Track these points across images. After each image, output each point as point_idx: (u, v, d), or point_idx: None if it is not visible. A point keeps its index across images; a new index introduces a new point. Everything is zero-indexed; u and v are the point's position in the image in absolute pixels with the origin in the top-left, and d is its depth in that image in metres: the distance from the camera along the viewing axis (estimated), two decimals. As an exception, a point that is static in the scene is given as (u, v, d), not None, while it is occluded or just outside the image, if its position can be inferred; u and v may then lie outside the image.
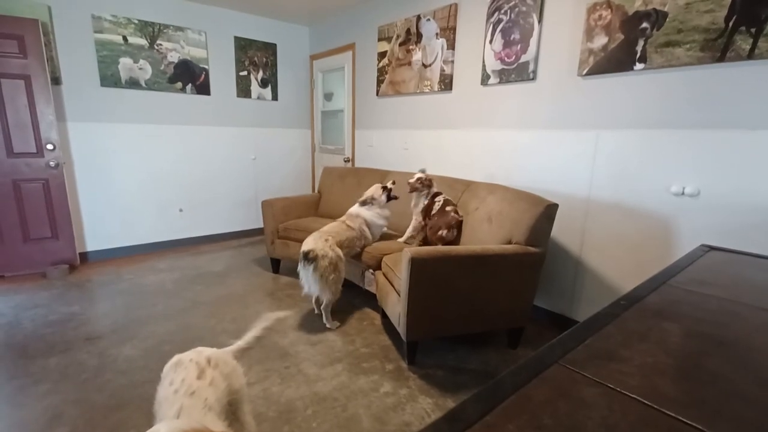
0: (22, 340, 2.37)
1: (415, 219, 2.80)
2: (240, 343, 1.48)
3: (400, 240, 2.93)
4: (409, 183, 2.73)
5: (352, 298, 3.05)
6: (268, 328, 1.56)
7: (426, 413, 1.81)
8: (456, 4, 3.02)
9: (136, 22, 3.68)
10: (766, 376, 0.64)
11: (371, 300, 2.89)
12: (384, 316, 2.68)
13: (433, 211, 2.65)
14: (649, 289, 0.99)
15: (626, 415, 0.53)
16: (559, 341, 0.72)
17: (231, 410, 1.25)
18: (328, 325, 2.55)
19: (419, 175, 2.73)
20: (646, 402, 0.55)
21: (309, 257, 2.41)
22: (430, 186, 2.73)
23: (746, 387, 0.60)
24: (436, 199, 2.68)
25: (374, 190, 2.94)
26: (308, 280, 2.45)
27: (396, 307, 2.15)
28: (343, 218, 2.84)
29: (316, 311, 2.71)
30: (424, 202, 2.73)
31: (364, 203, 2.89)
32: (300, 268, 2.47)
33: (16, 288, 3.13)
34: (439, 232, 2.56)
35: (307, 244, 2.48)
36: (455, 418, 0.52)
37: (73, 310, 2.76)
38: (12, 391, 1.92)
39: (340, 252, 2.53)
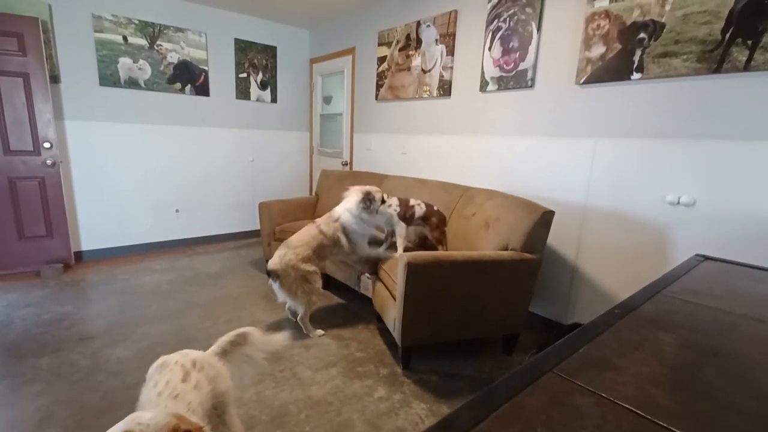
0: (13, 339, 2.35)
1: (401, 227, 2.57)
2: (214, 348, 1.44)
3: (398, 254, 2.49)
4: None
5: (348, 302, 3.04)
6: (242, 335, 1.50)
7: (420, 419, 1.80)
8: (456, 11, 3.04)
9: (137, 22, 3.69)
10: (761, 388, 0.64)
11: (367, 304, 2.88)
12: (380, 320, 2.67)
13: (418, 215, 2.57)
14: (644, 298, 0.99)
15: (620, 425, 0.53)
16: (554, 349, 0.72)
17: (216, 413, 1.24)
18: (310, 335, 2.49)
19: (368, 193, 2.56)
20: (640, 412, 0.55)
21: (272, 275, 2.40)
22: (372, 200, 2.54)
23: (741, 399, 0.60)
24: (412, 203, 2.57)
25: (370, 193, 2.52)
26: (279, 294, 2.45)
27: (392, 311, 2.14)
28: (320, 220, 2.59)
29: (291, 317, 2.66)
30: (394, 209, 2.55)
31: (363, 203, 2.49)
32: (270, 281, 2.46)
33: (9, 286, 3.11)
34: (445, 229, 2.64)
35: (272, 261, 2.44)
36: (449, 425, 0.51)
37: (66, 310, 2.73)
38: (2, 391, 1.89)
39: (305, 268, 2.42)
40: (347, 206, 2.55)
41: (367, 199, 2.48)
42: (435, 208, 2.66)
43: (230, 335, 1.47)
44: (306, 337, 2.47)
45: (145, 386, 1.16)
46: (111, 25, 3.56)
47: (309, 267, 2.45)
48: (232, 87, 4.37)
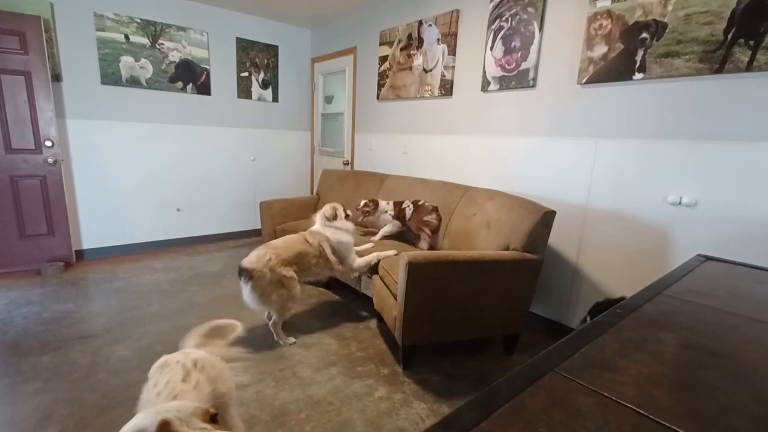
0: (14, 337, 2.35)
1: (391, 225, 3.02)
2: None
3: (375, 238, 3.02)
4: (358, 209, 3.03)
5: (348, 301, 3.04)
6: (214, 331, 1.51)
7: (420, 419, 1.80)
8: (458, 11, 3.04)
9: (139, 21, 3.69)
10: (761, 389, 0.64)
11: (368, 303, 2.88)
12: (380, 319, 2.67)
13: (408, 215, 2.93)
14: (646, 298, 0.99)
15: (621, 425, 0.53)
16: (555, 349, 0.72)
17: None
18: (281, 343, 2.37)
19: (363, 201, 3.04)
20: (641, 412, 0.55)
21: (245, 275, 2.24)
22: (377, 205, 3.01)
23: (741, 400, 0.60)
24: (404, 206, 2.95)
25: (333, 209, 2.71)
26: (247, 297, 2.27)
27: (392, 311, 2.14)
28: (305, 232, 2.60)
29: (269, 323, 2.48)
30: (389, 215, 2.99)
31: (328, 220, 2.64)
32: (241, 283, 2.30)
33: (10, 285, 3.11)
34: (425, 218, 2.83)
35: (248, 260, 2.30)
36: (450, 424, 0.51)
37: (67, 308, 2.74)
38: (2, 389, 1.90)
39: (283, 272, 2.31)
40: (321, 222, 2.66)
41: (331, 214, 2.65)
42: (420, 202, 2.91)
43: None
44: (307, 337, 2.47)
45: (146, 386, 1.16)
46: (113, 24, 3.57)
47: (287, 272, 2.33)
48: (233, 86, 4.38)
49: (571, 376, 0.63)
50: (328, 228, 2.60)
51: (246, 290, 2.26)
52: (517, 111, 2.72)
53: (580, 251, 2.44)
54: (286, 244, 2.45)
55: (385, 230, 3.04)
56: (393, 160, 3.85)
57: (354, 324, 2.67)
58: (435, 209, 2.85)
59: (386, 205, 3.03)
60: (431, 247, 2.84)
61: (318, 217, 2.67)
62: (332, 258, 2.52)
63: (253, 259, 2.31)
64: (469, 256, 2.02)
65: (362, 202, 3.03)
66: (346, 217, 2.73)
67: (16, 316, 2.61)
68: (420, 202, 2.92)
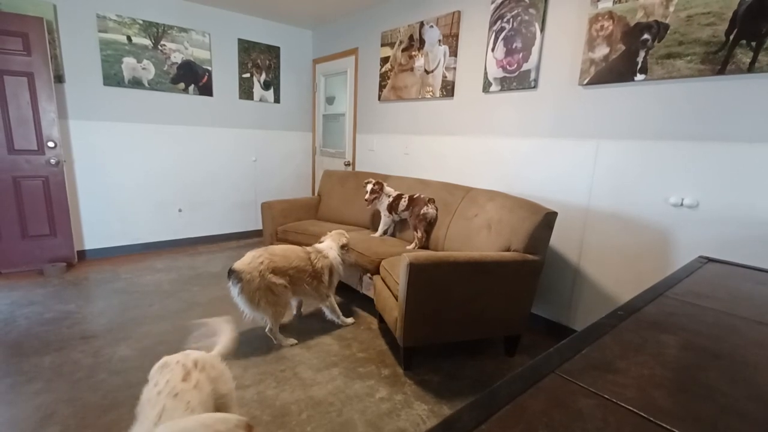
0: (16, 337, 2.36)
1: (384, 216, 3.14)
2: (219, 348, 1.47)
3: (375, 235, 3.15)
4: (366, 199, 3.11)
5: (349, 302, 3.04)
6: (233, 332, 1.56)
7: (421, 420, 1.79)
8: (459, 12, 3.04)
9: (141, 22, 3.70)
10: (762, 391, 0.64)
11: (369, 304, 2.88)
12: (381, 320, 2.67)
13: (401, 206, 3.00)
14: (647, 300, 0.99)
15: (622, 427, 0.53)
16: (555, 350, 0.72)
17: None
18: (282, 345, 2.35)
19: (370, 186, 3.08)
20: (642, 414, 0.55)
21: (233, 277, 2.19)
22: (382, 188, 3.11)
23: (741, 402, 0.60)
24: (402, 199, 3.03)
25: (347, 239, 2.71)
26: (237, 300, 2.23)
27: (393, 311, 2.14)
28: (310, 248, 2.55)
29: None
30: (387, 201, 3.09)
31: (342, 249, 2.64)
32: (229, 284, 2.24)
33: (13, 285, 3.12)
34: (422, 211, 2.86)
35: (240, 261, 2.26)
36: (450, 426, 0.51)
37: (69, 309, 2.74)
38: (4, 389, 1.90)
39: (274, 279, 2.26)
40: (333, 247, 2.60)
41: (345, 244, 2.66)
42: (415, 195, 2.99)
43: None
44: (308, 337, 2.47)
45: (147, 387, 1.16)
46: (115, 25, 3.58)
47: (278, 279, 2.28)
48: (235, 87, 4.39)
49: (571, 378, 0.63)
50: (337, 256, 2.58)
51: (234, 292, 2.22)
52: (519, 112, 2.72)
53: (582, 252, 2.44)
54: (285, 253, 2.39)
55: (381, 226, 3.17)
56: (394, 160, 3.85)
57: (355, 325, 2.67)
58: (432, 201, 2.91)
59: (390, 190, 3.14)
60: (423, 247, 2.88)
61: (331, 240, 2.64)
62: (326, 283, 2.52)
63: (245, 260, 2.27)
64: (470, 257, 2.02)
65: (369, 187, 3.07)
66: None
67: (19, 316, 2.62)
68: (415, 195, 2.99)
